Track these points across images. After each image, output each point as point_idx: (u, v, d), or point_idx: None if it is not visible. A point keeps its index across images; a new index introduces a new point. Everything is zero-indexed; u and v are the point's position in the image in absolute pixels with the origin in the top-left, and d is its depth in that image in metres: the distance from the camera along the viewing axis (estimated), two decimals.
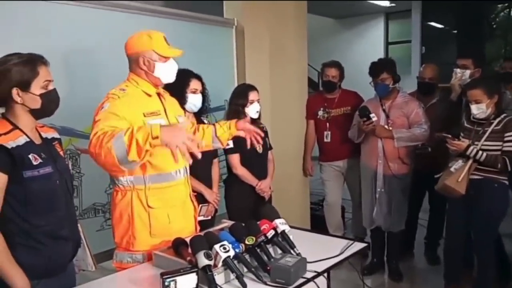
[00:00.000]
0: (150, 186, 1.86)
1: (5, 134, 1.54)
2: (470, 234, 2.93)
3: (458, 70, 3.20)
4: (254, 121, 2.93)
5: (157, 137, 1.53)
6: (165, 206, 1.90)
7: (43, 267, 1.60)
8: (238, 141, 2.84)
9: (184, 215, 2.01)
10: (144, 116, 1.83)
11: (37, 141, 1.65)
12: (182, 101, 2.55)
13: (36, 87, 1.58)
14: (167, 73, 1.93)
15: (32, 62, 1.58)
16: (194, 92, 2.60)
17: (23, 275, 1.53)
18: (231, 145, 2.85)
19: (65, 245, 1.68)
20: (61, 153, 1.77)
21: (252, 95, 2.85)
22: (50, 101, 1.63)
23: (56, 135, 1.80)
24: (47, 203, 1.61)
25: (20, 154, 1.54)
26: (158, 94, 1.97)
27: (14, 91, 1.56)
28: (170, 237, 1.81)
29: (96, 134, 1.61)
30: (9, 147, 1.52)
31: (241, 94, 2.88)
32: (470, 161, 2.69)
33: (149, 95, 1.92)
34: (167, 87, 2.06)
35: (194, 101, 2.61)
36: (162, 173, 1.88)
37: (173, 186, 1.92)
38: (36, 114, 1.63)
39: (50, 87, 1.63)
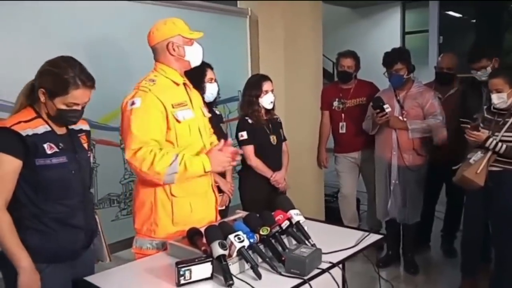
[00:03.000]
0: None
1: (25, 122, 1.59)
2: (488, 227, 2.87)
3: (478, 73, 3.05)
4: (268, 112, 2.92)
5: (208, 171, 1.86)
6: (188, 195, 1.92)
7: (52, 251, 1.63)
8: (252, 132, 2.84)
9: (205, 205, 2.03)
10: (173, 107, 1.87)
11: (60, 131, 1.68)
12: (200, 91, 2.56)
13: (60, 102, 1.60)
14: (196, 55, 1.98)
15: (71, 82, 1.57)
16: (210, 82, 2.64)
17: (28, 257, 1.57)
18: (245, 136, 2.84)
19: (77, 233, 1.70)
20: (85, 145, 1.79)
21: (266, 86, 2.83)
22: (64, 118, 1.65)
23: (85, 127, 1.82)
24: (59, 191, 1.63)
25: (34, 142, 1.57)
26: (184, 84, 2.00)
27: (41, 91, 1.60)
28: (191, 225, 1.83)
29: (142, 151, 1.76)
30: (24, 134, 1.56)
31: (255, 85, 2.85)
32: (490, 153, 2.63)
33: (177, 84, 1.95)
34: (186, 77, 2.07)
35: (211, 90, 2.65)
36: None
37: (188, 178, 1.92)
38: (50, 118, 1.65)
39: (75, 107, 1.63)
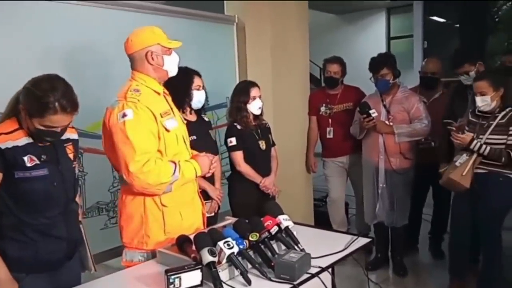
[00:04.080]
0: None
1: (6, 133, 1.57)
2: (475, 228, 2.91)
3: (462, 77, 3.08)
4: (257, 117, 2.93)
5: (199, 175, 1.96)
6: (177, 204, 1.92)
7: (30, 261, 1.62)
8: (241, 138, 2.85)
9: (193, 211, 2.04)
10: (161, 116, 1.87)
11: (44, 142, 1.64)
12: (188, 98, 2.56)
13: (37, 123, 1.56)
14: (174, 65, 1.96)
15: (51, 107, 1.52)
16: (198, 89, 2.62)
17: (5, 267, 1.56)
18: (234, 142, 2.85)
19: (57, 243, 1.68)
20: (71, 155, 1.75)
21: (254, 92, 2.85)
22: (41, 137, 1.61)
23: (73, 136, 1.78)
24: (38, 203, 1.61)
25: (13, 155, 1.55)
26: (163, 93, 1.98)
27: (21, 107, 1.57)
28: (182, 233, 1.83)
29: (149, 164, 1.76)
30: (3, 147, 1.54)
31: (243, 91, 2.87)
32: (475, 155, 2.67)
33: (158, 93, 1.94)
34: (171, 86, 2.06)
35: (199, 97, 2.62)
36: None
37: (183, 184, 1.94)
38: (29, 134, 1.61)
39: (53, 129, 1.58)
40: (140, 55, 1.88)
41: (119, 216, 1.99)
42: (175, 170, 1.83)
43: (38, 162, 1.59)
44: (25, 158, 1.57)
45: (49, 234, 1.64)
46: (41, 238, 1.62)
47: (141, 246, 1.90)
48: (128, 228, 1.92)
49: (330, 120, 3.76)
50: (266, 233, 1.69)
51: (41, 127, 1.56)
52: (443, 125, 3.07)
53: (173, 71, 1.97)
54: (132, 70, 1.94)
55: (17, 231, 1.60)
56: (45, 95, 1.52)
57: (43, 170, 1.60)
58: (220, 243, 1.57)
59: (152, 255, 1.88)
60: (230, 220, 2.04)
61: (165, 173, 1.80)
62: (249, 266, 1.60)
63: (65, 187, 1.69)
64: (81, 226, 1.84)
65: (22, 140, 1.58)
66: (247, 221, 1.77)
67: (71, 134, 1.77)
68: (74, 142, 1.79)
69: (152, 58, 1.88)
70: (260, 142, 2.92)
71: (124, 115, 1.77)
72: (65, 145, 1.73)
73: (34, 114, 1.54)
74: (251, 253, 1.64)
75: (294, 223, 1.82)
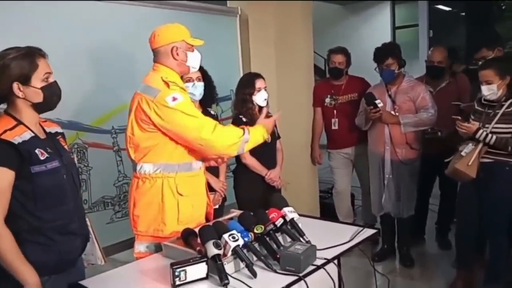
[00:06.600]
0: (180, 174, 1.94)
1: (10, 129, 1.52)
2: (481, 218, 2.89)
3: (480, 63, 3.04)
4: (262, 109, 2.92)
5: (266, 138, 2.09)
6: (191, 194, 1.98)
7: (53, 263, 1.60)
8: None
9: (202, 203, 2.09)
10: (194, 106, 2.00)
11: (42, 135, 1.64)
12: None
13: (37, 80, 1.55)
14: (196, 61, 2.03)
15: (31, 55, 1.55)
16: (188, 81, 2.53)
17: (34, 272, 1.52)
18: None
19: (74, 240, 1.68)
20: (66, 147, 1.76)
21: (259, 83, 2.83)
22: (52, 94, 1.61)
23: (59, 130, 1.78)
24: (56, 197, 1.60)
25: (27, 150, 1.52)
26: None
27: (15, 85, 1.53)
28: (193, 223, 1.89)
29: (220, 126, 1.92)
30: (16, 142, 1.50)
31: (248, 83, 2.85)
32: (480, 145, 2.65)
33: (182, 88, 1.98)
34: None
35: (188, 89, 2.55)
36: (192, 162, 1.98)
37: (197, 175, 2.02)
38: (39, 107, 1.60)
39: (51, 79, 1.60)
40: (166, 49, 1.94)
41: (132, 206, 1.99)
42: (244, 132, 1.95)
43: (47, 155, 1.58)
44: (37, 152, 1.55)
45: (66, 231, 1.63)
46: (60, 236, 1.60)
47: (156, 234, 1.93)
48: (145, 216, 1.95)
49: (335, 111, 3.74)
50: (271, 226, 1.69)
51: (44, 83, 1.57)
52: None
53: (195, 67, 2.05)
54: (155, 62, 1.99)
55: (35, 233, 1.56)
56: (17, 51, 1.54)
57: (55, 161, 1.59)
58: (225, 236, 1.57)
59: (156, 247, 1.89)
60: (235, 212, 2.04)
61: (234, 134, 1.94)
62: (255, 258, 1.60)
63: (72, 178, 1.69)
64: (87, 219, 1.83)
65: (25, 135, 1.55)
66: (252, 213, 1.77)
67: (57, 128, 1.77)
68: (62, 134, 1.79)
69: (177, 54, 1.95)
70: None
71: (174, 99, 1.85)
72: (57, 138, 1.72)
73: (30, 71, 1.54)
74: (256, 245, 1.64)
75: (300, 215, 1.82)
